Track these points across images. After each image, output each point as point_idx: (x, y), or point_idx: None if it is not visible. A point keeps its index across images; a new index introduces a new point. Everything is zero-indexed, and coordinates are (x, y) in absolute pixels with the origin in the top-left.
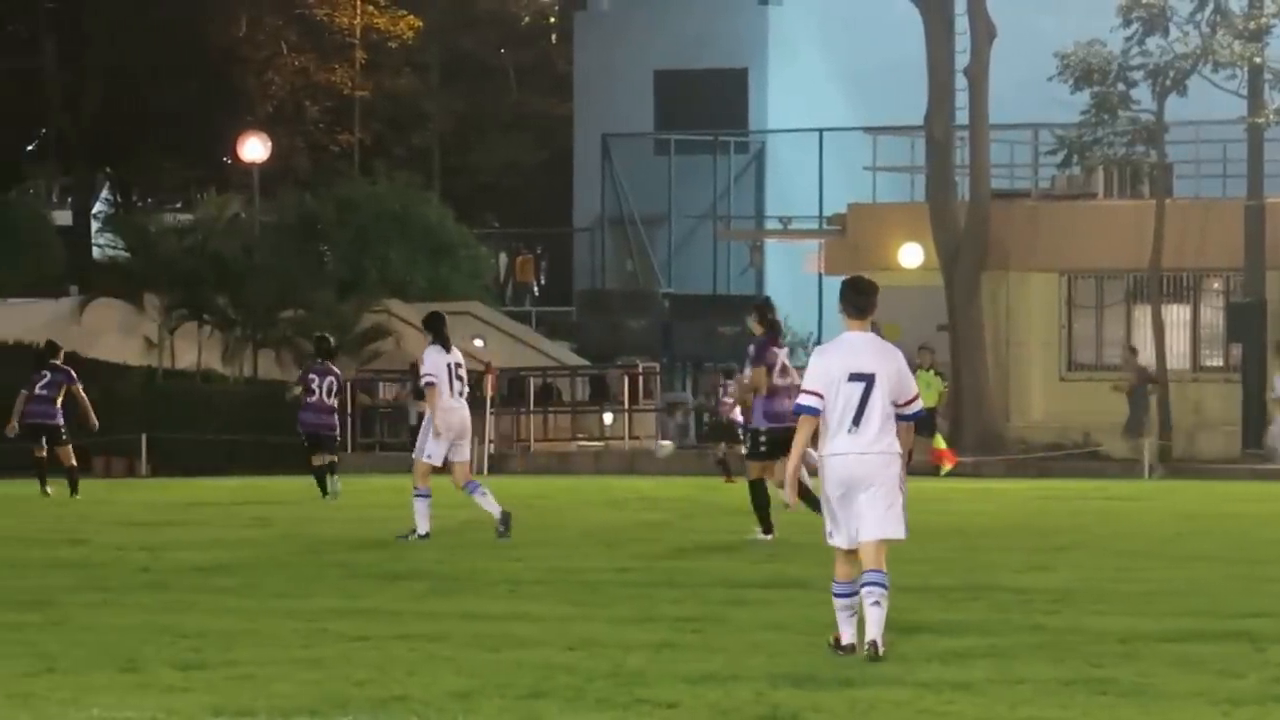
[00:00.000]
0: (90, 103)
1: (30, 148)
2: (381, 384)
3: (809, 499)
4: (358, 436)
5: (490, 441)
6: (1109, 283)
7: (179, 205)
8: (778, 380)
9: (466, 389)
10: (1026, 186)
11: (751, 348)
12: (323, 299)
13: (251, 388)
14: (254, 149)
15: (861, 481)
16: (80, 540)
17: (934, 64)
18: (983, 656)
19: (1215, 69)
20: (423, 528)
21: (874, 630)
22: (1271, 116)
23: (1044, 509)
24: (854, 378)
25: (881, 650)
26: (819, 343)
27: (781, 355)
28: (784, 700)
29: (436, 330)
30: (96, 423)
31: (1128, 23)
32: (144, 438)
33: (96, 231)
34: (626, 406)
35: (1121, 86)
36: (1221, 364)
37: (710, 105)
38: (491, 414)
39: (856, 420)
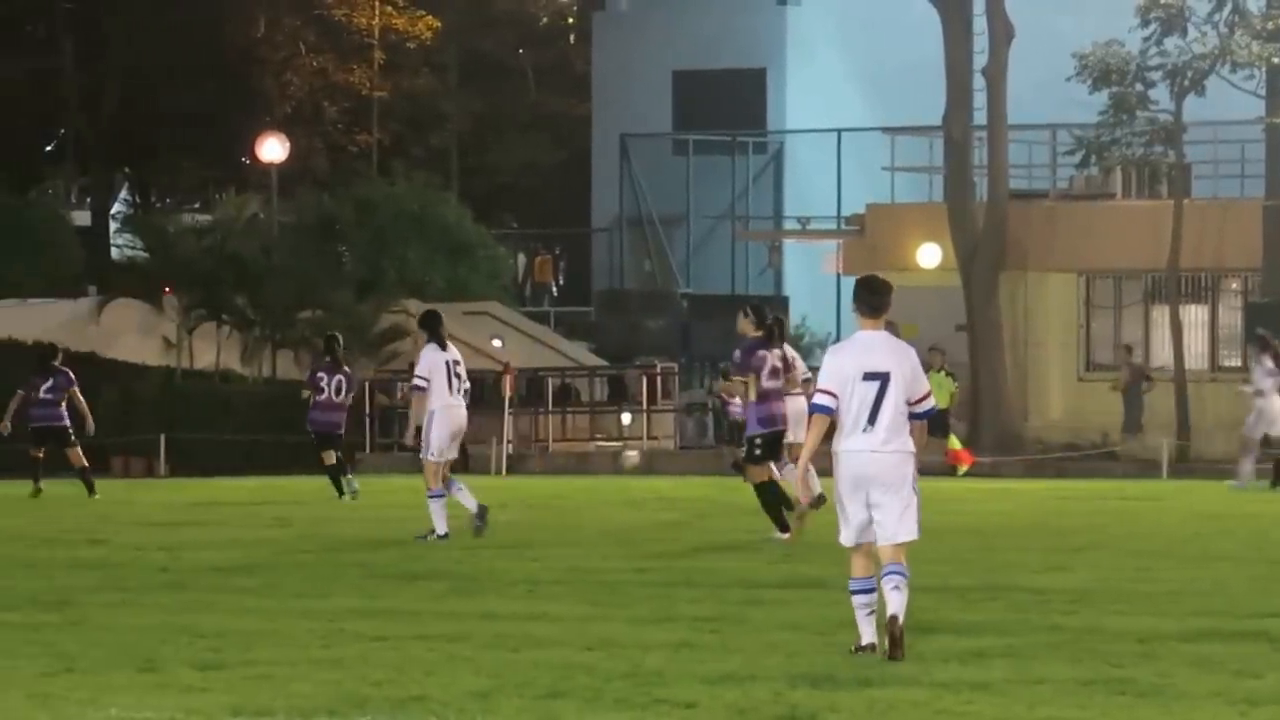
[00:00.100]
0: (108, 103)
1: (49, 148)
2: (400, 384)
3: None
4: (376, 437)
5: (509, 442)
6: (1127, 283)
7: (197, 205)
8: (767, 383)
9: (468, 385)
10: (1045, 187)
11: (737, 352)
12: (341, 299)
13: (270, 388)
14: (272, 149)
15: (876, 480)
16: (99, 540)
17: (952, 64)
18: (1001, 656)
19: (1233, 69)
20: (441, 528)
21: (895, 606)
22: None
23: (1062, 509)
24: (869, 376)
25: (901, 622)
26: (837, 343)
27: (773, 357)
28: (802, 700)
29: (432, 329)
30: (93, 427)
31: (1146, 23)
32: (162, 438)
33: (115, 232)
34: (645, 407)
35: (1140, 87)
36: (1239, 364)
37: (729, 105)
38: (510, 414)
39: (871, 419)
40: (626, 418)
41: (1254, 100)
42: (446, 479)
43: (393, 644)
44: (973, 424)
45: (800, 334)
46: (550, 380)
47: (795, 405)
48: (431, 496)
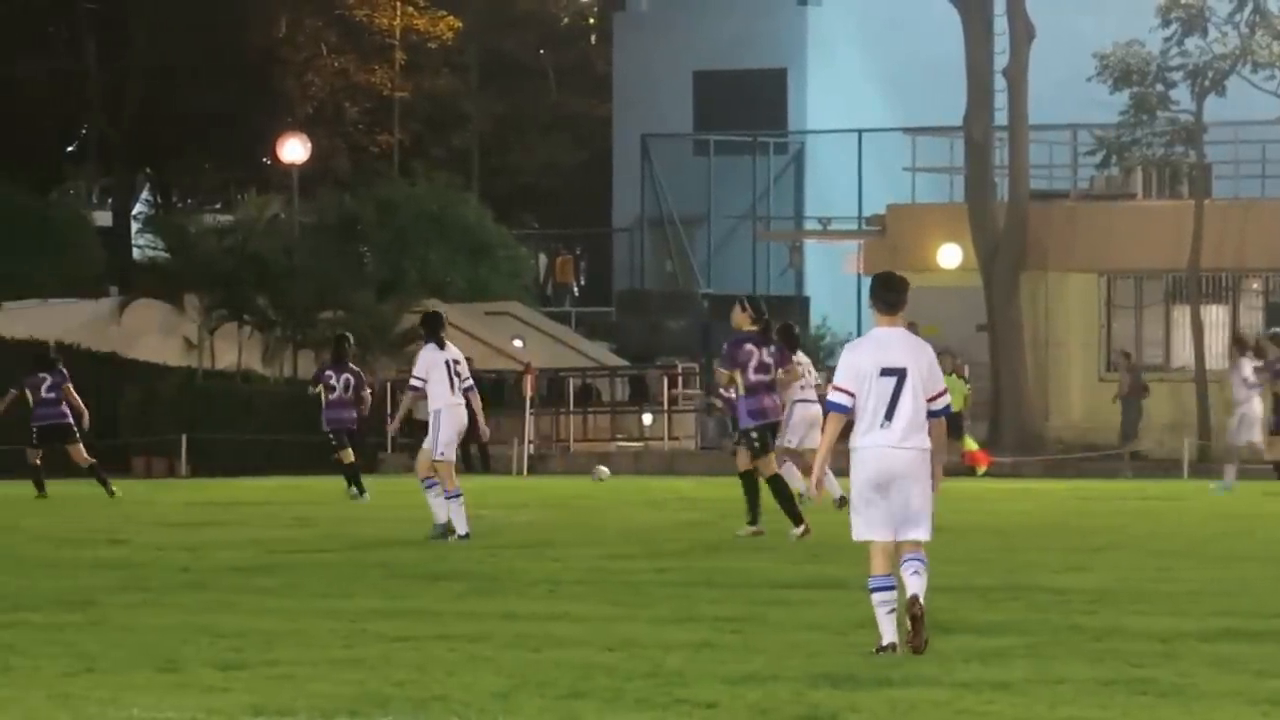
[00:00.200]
0: (130, 104)
1: (70, 149)
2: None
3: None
4: (398, 437)
5: (530, 442)
6: (1148, 283)
7: (219, 206)
8: (754, 377)
9: (470, 383)
10: (1065, 187)
11: (725, 346)
12: (362, 299)
13: (291, 388)
14: (294, 150)
15: (896, 477)
16: (120, 540)
17: (973, 65)
18: (1022, 656)
19: (1254, 69)
20: (461, 528)
21: (915, 588)
22: None
23: (1082, 509)
24: (886, 372)
25: (922, 601)
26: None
27: (762, 353)
28: (823, 700)
29: (431, 329)
30: (89, 421)
31: (1166, 23)
32: (184, 438)
33: (136, 232)
34: (666, 407)
35: (1160, 87)
36: (1261, 364)
37: (749, 106)
38: (531, 414)
39: (889, 415)
40: (647, 418)
41: (1275, 100)
42: (430, 477)
43: (414, 644)
44: (993, 424)
45: (821, 334)
46: (571, 380)
47: (810, 412)
48: (449, 498)
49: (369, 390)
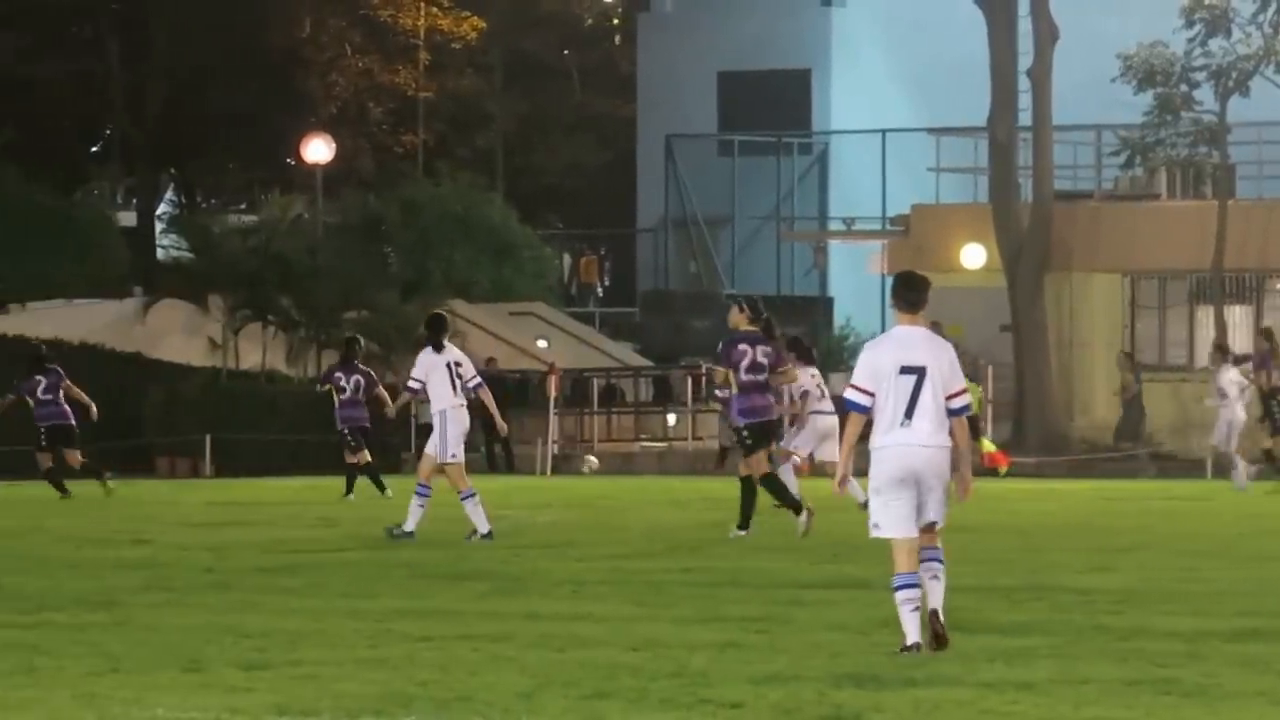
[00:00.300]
0: (154, 104)
1: (94, 149)
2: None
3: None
4: (421, 437)
5: (554, 442)
6: (1172, 284)
7: (243, 206)
8: (746, 376)
9: (476, 380)
10: (1089, 187)
11: (720, 345)
12: (387, 300)
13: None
14: (318, 150)
15: (917, 474)
16: (144, 540)
17: (997, 65)
18: (1046, 656)
19: (1278, 70)
20: (483, 526)
21: (935, 599)
22: None
23: (1107, 509)
24: (905, 371)
25: (943, 617)
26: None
27: (756, 352)
28: (847, 700)
29: (431, 331)
30: (95, 412)
31: (1190, 24)
32: (208, 438)
33: (161, 232)
34: (690, 407)
35: (1184, 87)
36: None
37: (773, 106)
38: (555, 414)
39: (909, 413)
40: (671, 418)
41: None
42: (426, 483)
43: (438, 644)
44: (1017, 425)
45: (845, 334)
46: (595, 381)
47: (824, 423)
48: (464, 498)
49: (381, 389)
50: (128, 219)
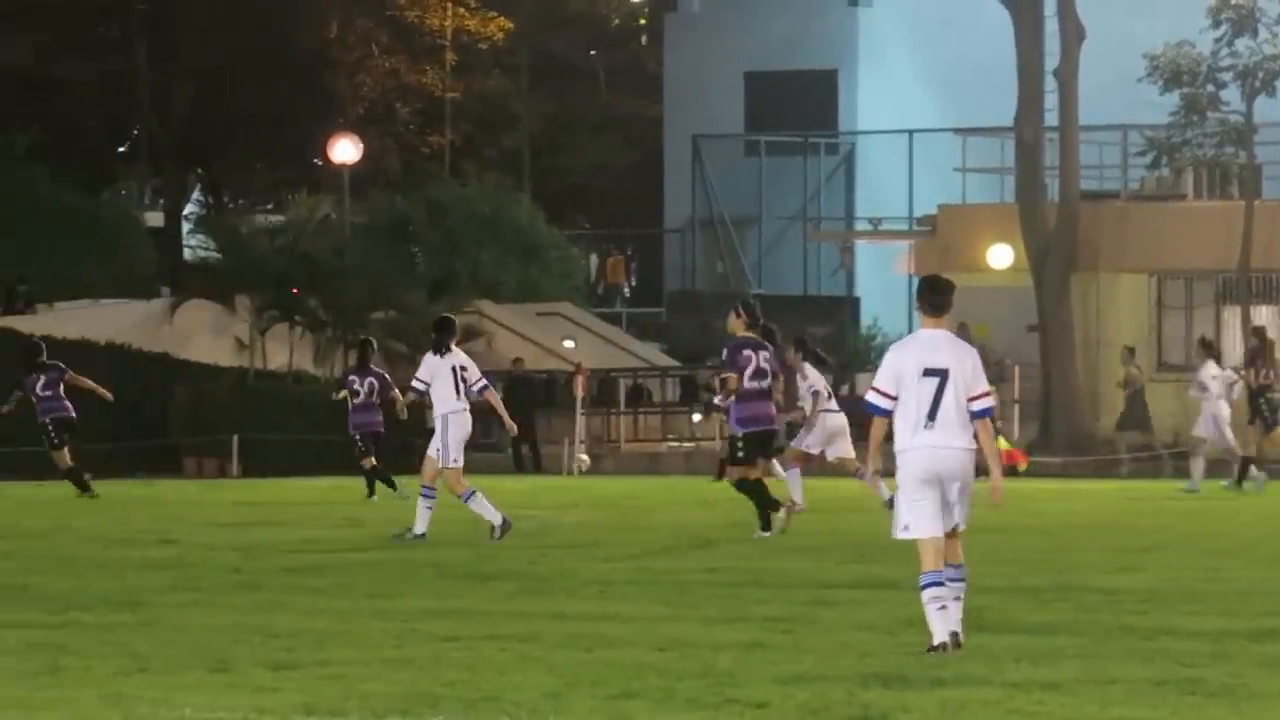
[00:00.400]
0: (181, 104)
1: (121, 149)
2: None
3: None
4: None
5: (581, 442)
6: (1198, 284)
7: (270, 206)
8: (749, 384)
9: (482, 384)
10: (1116, 188)
11: (724, 350)
12: (414, 300)
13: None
14: (345, 150)
15: (944, 476)
16: (171, 540)
17: (1024, 65)
18: (1072, 657)
19: None
20: (495, 517)
21: (954, 623)
22: None
23: (1133, 509)
24: (928, 373)
25: (961, 636)
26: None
27: (759, 358)
28: (874, 700)
29: (436, 333)
30: (109, 394)
31: (1217, 24)
32: (235, 438)
33: (188, 233)
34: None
35: (1210, 88)
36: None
37: (800, 107)
38: (582, 415)
39: (931, 415)
40: (698, 418)
41: None
42: (431, 485)
43: (465, 644)
44: (1044, 425)
45: (872, 334)
46: (622, 381)
47: (836, 422)
48: (465, 499)
49: (396, 391)
50: (155, 219)
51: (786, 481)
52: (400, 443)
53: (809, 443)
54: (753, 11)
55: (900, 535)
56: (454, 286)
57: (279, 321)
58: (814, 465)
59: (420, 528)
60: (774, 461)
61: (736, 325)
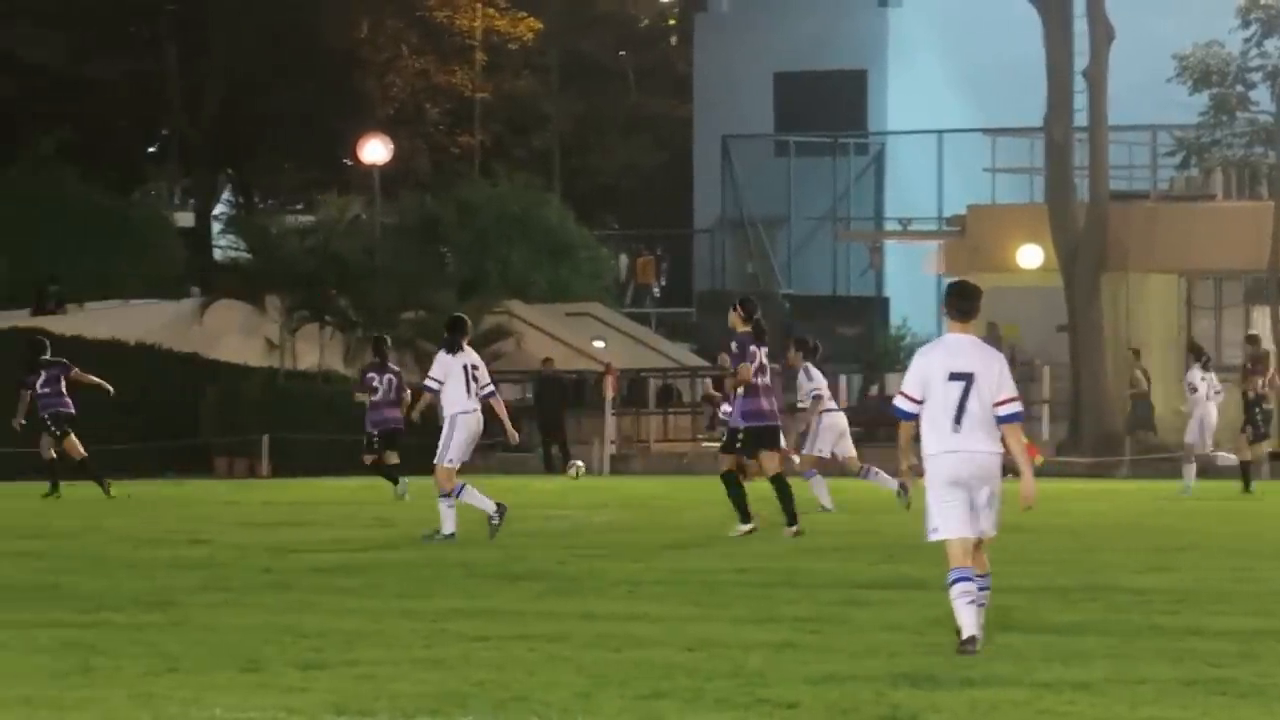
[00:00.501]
0: (211, 104)
1: (152, 149)
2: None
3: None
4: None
5: (611, 442)
6: (1227, 284)
7: (300, 207)
8: (754, 379)
9: (490, 388)
10: (1145, 188)
11: (734, 344)
12: (444, 300)
13: None
14: (375, 151)
15: (971, 480)
16: (202, 540)
17: (1053, 66)
18: (1102, 657)
19: None
20: (449, 528)
21: (977, 625)
22: None
23: (1162, 510)
24: (954, 377)
25: (980, 639)
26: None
27: (761, 354)
28: (904, 700)
29: (450, 333)
30: (110, 387)
31: (1246, 24)
32: (265, 439)
33: (218, 233)
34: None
35: (1240, 88)
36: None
37: (830, 107)
38: (612, 415)
39: (957, 419)
40: (706, 429)
41: None
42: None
43: (494, 644)
44: (1073, 425)
45: (901, 335)
46: (652, 381)
47: (837, 421)
48: (442, 496)
49: (408, 391)
50: (185, 219)
51: (811, 487)
52: (419, 443)
53: (820, 446)
54: (782, 12)
55: (931, 538)
56: (484, 287)
57: (309, 322)
58: (831, 468)
59: (449, 528)
60: (791, 455)
61: (737, 322)
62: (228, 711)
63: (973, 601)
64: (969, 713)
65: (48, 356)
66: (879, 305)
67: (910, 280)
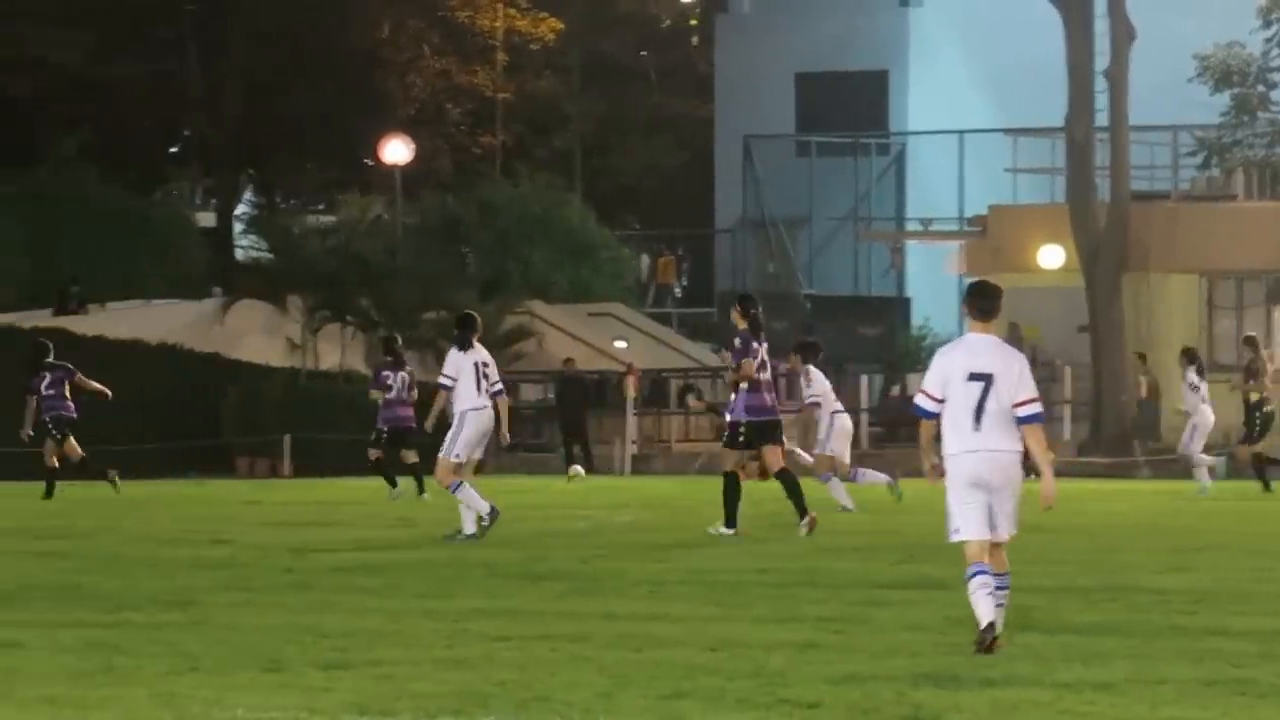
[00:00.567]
0: (232, 105)
1: (173, 150)
2: (524, 385)
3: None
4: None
5: (632, 442)
6: (1249, 284)
7: (322, 207)
8: (757, 375)
9: (499, 386)
10: (1166, 188)
11: (737, 340)
12: (465, 300)
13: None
14: (396, 151)
15: (990, 480)
16: (224, 540)
17: (1074, 66)
18: (1123, 657)
19: None
20: (482, 506)
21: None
22: None
23: (1183, 510)
24: (973, 377)
25: (998, 629)
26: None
27: (762, 351)
28: (926, 700)
29: (459, 329)
30: (109, 392)
31: (1267, 24)
32: (287, 438)
33: (239, 233)
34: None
35: (1261, 88)
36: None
37: (851, 107)
38: (633, 414)
39: (976, 419)
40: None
41: None
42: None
43: (516, 644)
44: (1094, 425)
45: (923, 334)
46: (673, 381)
47: (846, 423)
48: (453, 490)
49: (415, 391)
50: (206, 219)
51: (830, 490)
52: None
53: (832, 447)
54: (803, 12)
55: (953, 539)
56: (505, 287)
57: (331, 322)
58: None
59: (470, 528)
60: (799, 451)
61: (738, 319)
62: (250, 711)
63: (991, 593)
64: (990, 713)
65: (51, 359)
66: (900, 305)
67: (931, 280)
